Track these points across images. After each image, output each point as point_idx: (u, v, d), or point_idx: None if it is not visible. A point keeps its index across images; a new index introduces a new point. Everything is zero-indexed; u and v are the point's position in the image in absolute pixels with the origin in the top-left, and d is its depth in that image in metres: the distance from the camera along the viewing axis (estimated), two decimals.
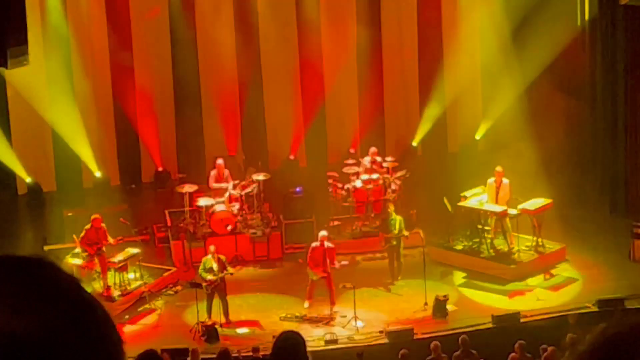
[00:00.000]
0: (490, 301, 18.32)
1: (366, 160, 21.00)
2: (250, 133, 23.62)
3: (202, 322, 17.44)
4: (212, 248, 17.95)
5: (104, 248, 18.36)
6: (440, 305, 17.72)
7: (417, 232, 18.91)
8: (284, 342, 5.63)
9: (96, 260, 18.35)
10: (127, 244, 19.22)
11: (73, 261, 18.33)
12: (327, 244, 18.06)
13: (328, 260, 17.89)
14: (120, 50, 22.77)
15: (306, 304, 18.10)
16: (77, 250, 18.72)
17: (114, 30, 22.70)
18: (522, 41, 22.57)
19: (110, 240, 18.39)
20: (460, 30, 23.52)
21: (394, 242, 18.96)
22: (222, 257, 17.99)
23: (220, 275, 17.66)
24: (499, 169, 19.33)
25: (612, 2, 20.76)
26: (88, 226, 18.35)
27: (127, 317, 17.99)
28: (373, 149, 21.23)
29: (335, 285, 17.97)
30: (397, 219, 18.97)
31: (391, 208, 19.23)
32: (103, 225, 18.41)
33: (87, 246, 18.29)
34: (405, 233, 18.93)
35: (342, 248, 19.36)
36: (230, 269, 17.93)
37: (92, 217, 18.46)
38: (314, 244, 18.18)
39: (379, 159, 21.07)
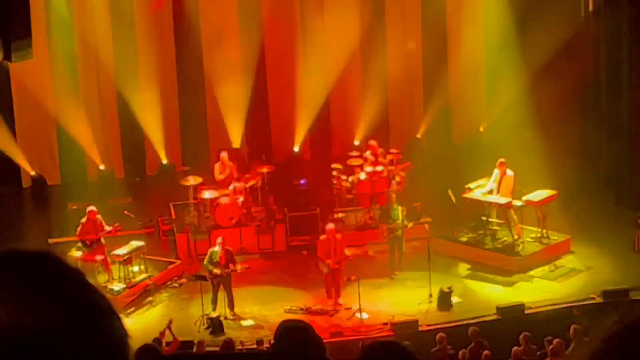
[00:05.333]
0: (494, 292, 18.32)
1: (368, 153, 20.98)
2: (255, 125, 23.59)
3: (207, 315, 17.45)
4: (219, 239, 17.93)
5: (102, 240, 18.34)
6: (445, 297, 17.73)
7: (425, 221, 19.03)
8: (287, 331, 4.95)
9: (98, 257, 18.30)
10: (131, 236, 19.24)
11: (77, 254, 18.33)
12: (336, 235, 18.05)
13: (339, 252, 17.86)
14: (124, 42, 22.74)
15: (331, 302, 17.94)
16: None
17: (118, 22, 22.67)
18: (525, 33, 22.53)
19: (107, 228, 18.35)
20: (464, 21, 23.48)
21: (398, 233, 18.97)
22: (230, 249, 17.99)
23: (227, 270, 17.65)
24: (501, 160, 19.31)
25: None
26: (84, 219, 18.34)
27: (132, 309, 18.01)
28: (372, 142, 21.21)
29: (340, 277, 17.97)
30: (399, 209, 18.99)
31: (393, 199, 19.25)
32: (99, 216, 18.39)
33: (86, 239, 18.28)
34: (408, 224, 18.95)
35: (346, 240, 19.33)
36: (238, 266, 17.89)
37: (88, 209, 18.45)
38: (322, 237, 18.16)
39: (380, 150, 21.06)
